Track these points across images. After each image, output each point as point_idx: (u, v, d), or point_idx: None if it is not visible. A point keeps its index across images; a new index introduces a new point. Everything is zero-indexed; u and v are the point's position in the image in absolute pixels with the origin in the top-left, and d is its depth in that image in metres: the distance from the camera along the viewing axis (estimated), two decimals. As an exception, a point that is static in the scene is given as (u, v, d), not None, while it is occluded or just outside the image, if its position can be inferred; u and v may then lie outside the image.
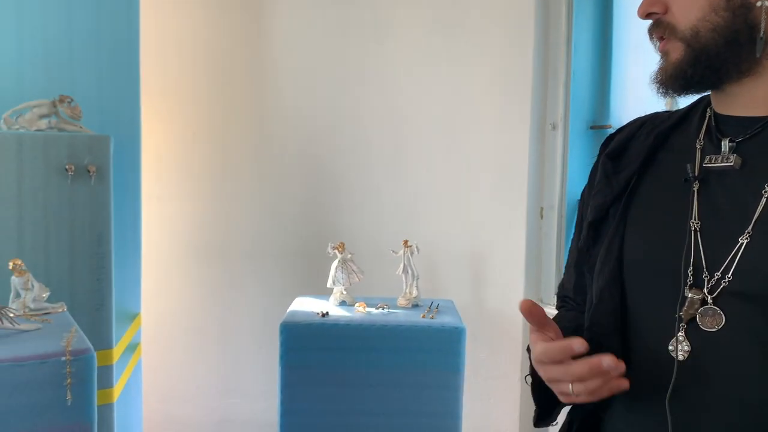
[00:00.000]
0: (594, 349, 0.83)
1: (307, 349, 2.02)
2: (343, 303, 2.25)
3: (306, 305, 2.23)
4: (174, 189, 2.72)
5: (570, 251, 1.13)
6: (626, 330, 0.87)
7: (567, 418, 0.98)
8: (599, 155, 1.01)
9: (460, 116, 2.58)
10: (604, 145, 1.01)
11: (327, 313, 2.12)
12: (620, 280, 0.88)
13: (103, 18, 2.15)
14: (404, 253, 2.27)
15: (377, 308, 2.18)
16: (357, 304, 2.20)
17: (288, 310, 2.18)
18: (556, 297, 1.27)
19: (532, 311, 0.80)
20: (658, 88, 0.86)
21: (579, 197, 1.10)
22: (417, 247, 2.26)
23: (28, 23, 2.06)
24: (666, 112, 0.98)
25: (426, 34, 2.61)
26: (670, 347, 0.79)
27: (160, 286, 2.69)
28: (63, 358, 1.31)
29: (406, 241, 2.27)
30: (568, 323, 0.98)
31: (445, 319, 2.09)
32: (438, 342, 2.02)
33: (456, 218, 2.61)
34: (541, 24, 2.45)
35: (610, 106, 2.46)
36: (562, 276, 1.20)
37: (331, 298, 2.28)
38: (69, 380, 1.31)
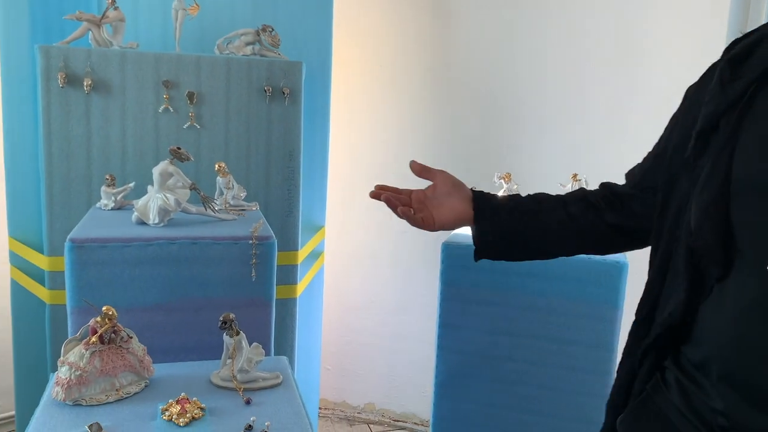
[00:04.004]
0: (696, 263, 0.83)
1: (466, 268, 2.12)
2: (506, 231, 2.31)
3: (469, 230, 2.33)
4: (360, 116, 2.93)
5: (659, 142, 1.11)
6: (729, 248, 0.83)
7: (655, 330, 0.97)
8: (721, 58, 0.93)
9: (645, 44, 2.44)
10: (728, 48, 0.92)
11: (489, 237, 2.20)
12: (727, 197, 0.83)
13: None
14: (572, 187, 2.25)
15: (539, 238, 2.22)
16: (520, 233, 2.25)
17: (452, 233, 2.30)
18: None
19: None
20: None
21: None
22: (586, 181, 2.23)
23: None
24: None
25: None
26: None
27: (344, 204, 2.96)
28: (250, 242, 1.56)
29: (575, 175, 2.25)
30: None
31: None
32: (598, 275, 2.01)
33: (631, 156, 2.50)
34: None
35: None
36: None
37: (496, 226, 2.35)
38: (254, 260, 1.56)
